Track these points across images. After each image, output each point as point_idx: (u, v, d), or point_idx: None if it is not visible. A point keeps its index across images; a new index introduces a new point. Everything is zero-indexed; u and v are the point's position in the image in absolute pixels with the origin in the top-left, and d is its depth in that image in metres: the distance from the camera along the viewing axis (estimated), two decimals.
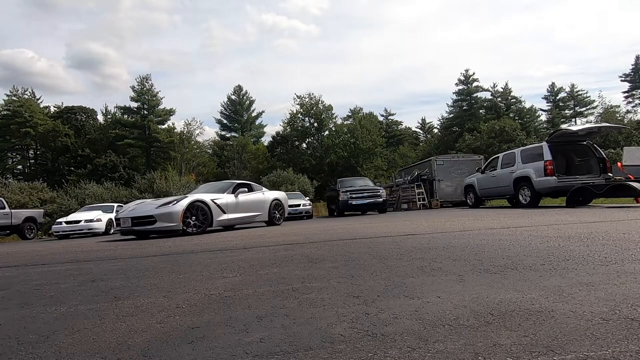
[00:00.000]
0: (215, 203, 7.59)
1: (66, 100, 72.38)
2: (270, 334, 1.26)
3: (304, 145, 39.25)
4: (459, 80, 42.96)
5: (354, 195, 13.34)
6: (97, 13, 63.61)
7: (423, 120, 55.38)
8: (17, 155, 38.03)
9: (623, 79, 43.85)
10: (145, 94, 36.49)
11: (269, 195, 9.49)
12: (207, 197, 7.58)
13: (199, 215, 7.22)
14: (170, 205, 7.01)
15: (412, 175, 17.95)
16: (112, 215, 13.67)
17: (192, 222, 7.08)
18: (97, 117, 40.30)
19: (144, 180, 22.00)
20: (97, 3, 62.81)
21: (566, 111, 44.59)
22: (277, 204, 9.45)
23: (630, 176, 8.32)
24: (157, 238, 7.05)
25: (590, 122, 36.63)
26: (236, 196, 8.25)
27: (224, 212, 7.76)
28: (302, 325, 1.32)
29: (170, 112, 37.91)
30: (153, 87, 37.14)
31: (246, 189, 8.84)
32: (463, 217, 6.98)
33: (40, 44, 65.41)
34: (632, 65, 42.81)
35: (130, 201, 19.40)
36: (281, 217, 9.64)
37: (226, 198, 8.01)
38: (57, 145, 35.17)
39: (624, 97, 43.77)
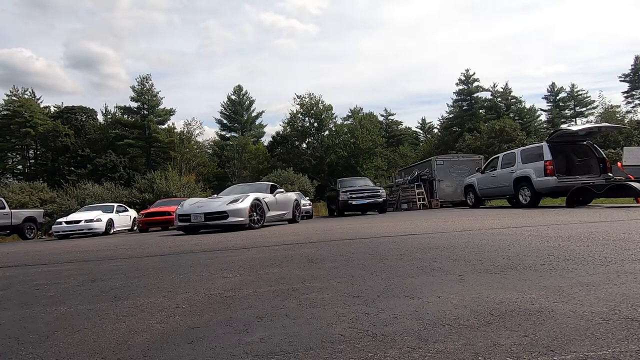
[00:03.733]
0: (264, 201, 8.39)
1: (65, 100, 72.58)
2: (270, 334, 1.25)
3: (304, 145, 39.27)
4: (459, 80, 43.00)
5: (354, 195, 13.34)
6: (95, 12, 63.75)
7: (423, 120, 55.47)
8: (17, 155, 38.02)
9: (623, 79, 43.86)
10: (145, 94, 36.50)
11: (292, 195, 10.40)
12: (260, 196, 8.34)
13: (258, 211, 7.99)
14: (239, 202, 7.71)
15: (412, 175, 17.95)
16: (112, 215, 13.67)
17: (255, 217, 7.81)
18: (97, 117, 40.37)
19: (144, 180, 21.97)
20: (94, 2, 62.96)
21: (566, 111, 44.59)
22: (297, 204, 10.40)
23: (630, 176, 8.32)
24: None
25: (591, 122, 36.64)
26: (274, 196, 9.12)
27: (269, 210, 8.54)
28: (302, 325, 1.31)
29: (170, 112, 37.94)
30: (153, 87, 37.20)
31: (282, 190, 9.91)
32: (463, 217, 6.98)
33: (38, 44, 65.53)
34: (632, 65, 42.81)
35: (133, 201, 19.46)
36: (299, 216, 10.69)
37: (269, 197, 8.87)
38: (57, 145, 35.17)
39: (624, 97, 43.82)
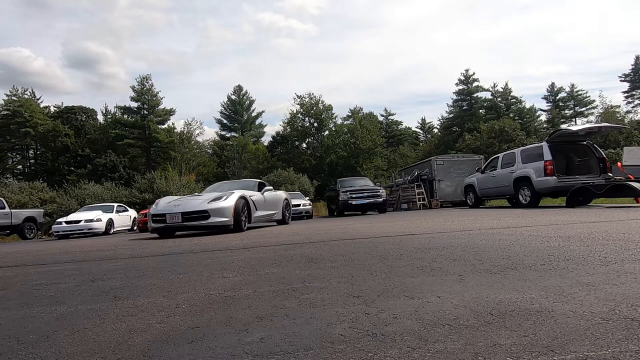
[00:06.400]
0: (251, 200, 7.62)
1: (64, 100, 72.74)
2: (270, 334, 1.25)
3: (304, 145, 39.29)
4: (459, 80, 43.03)
5: (354, 195, 13.34)
6: (93, 12, 63.79)
7: (423, 120, 55.45)
8: (17, 155, 38.03)
9: (623, 79, 43.90)
10: (145, 93, 36.51)
11: (281, 194, 9.56)
12: (247, 194, 7.56)
13: (244, 211, 7.21)
14: (222, 200, 6.88)
15: (412, 175, 17.96)
16: (112, 215, 13.67)
17: (241, 218, 7.02)
18: (97, 117, 40.37)
19: (144, 180, 21.99)
20: (93, 2, 62.96)
21: (566, 111, 44.61)
22: (287, 203, 9.52)
23: (630, 176, 8.32)
24: (160, 239, 7.03)
25: (591, 122, 36.65)
26: (262, 194, 8.33)
27: (256, 209, 7.78)
28: (302, 325, 1.31)
29: (170, 112, 37.95)
30: (153, 87, 37.21)
31: (272, 188, 9.04)
32: (463, 217, 6.98)
33: (36, 43, 65.48)
34: (632, 65, 42.86)
35: (133, 201, 19.45)
36: (289, 216, 9.76)
37: (257, 195, 8.08)
38: (57, 145, 35.18)
39: (624, 97, 43.85)
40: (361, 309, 1.45)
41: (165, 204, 7.21)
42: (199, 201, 7.05)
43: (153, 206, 7.44)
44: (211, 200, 6.89)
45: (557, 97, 45.12)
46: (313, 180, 28.32)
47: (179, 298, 1.86)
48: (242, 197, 7.21)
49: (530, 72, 69.11)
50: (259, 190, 8.49)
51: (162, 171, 24.38)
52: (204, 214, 6.67)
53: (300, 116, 37.42)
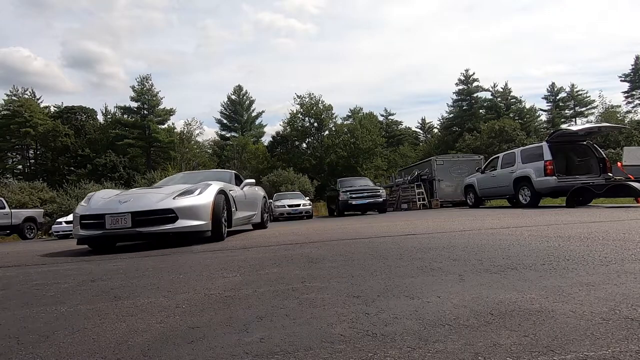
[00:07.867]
0: (232, 196, 5.69)
1: (64, 99, 72.86)
2: (270, 334, 1.25)
3: (304, 145, 39.33)
4: (459, 80, 43.08)
5: (354, 195, 13.35)
6: (92, 12, 63.95)
7: (423, 120, 55.56)
8: (17, 155, 38.08)
9: (623, 79, 43.92)
10: (145, 93, 36.55)
11: (259, 191, 7.82)
12: (227, 188, 5.64)
13: (224, 210, 5.20)
14: (195, 195, 4.73)
15: (412, 175, 17.96)
16: None
17: (222, 220, 5.02)
18: (97, 117, 40.41)
19: (144, 180, 22.02)
20: (92, 2, 63.10)
21: (566, 111, 44.65)
22: (265, 202, 7.84)
23: (630, 176, 8.32)
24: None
25: (591, 122, 36.67)
26: (242, 189, 6.55)
27: (236, 209, 5.89)
28: (302, 325, 1.31)
29: (170, 112, 38.01)
30: (153, 87, 37.26)
31: (253, 181, 7.16)
32: (463, 217, 6.98)
33: (36, 43, 65.62)
34: (632, 65, 42.90)
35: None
36: (268, 219, 8.21)
37: (237, 191, 6.20)
38: (57, 145, 35.21)
39: (624, 97, 43.88)
40: (361, 309, 1.45)
41: (104, 200, 4.85)
42: (160, 196, 4.75)
43: (82, 203, 5.06)
44: (178, 195, 4.71)
45: (557, 97, 45.17)
46: (313, 180, 28.37)
47: (179, 298, 1.86)
48: (222, 192, 5.17)
49: (530, 72, 69.33)
50: (237, 184, 6.66)
51: (162, 171, 24.41)
52: (169, 215, 4.48)
53: (300, 116, 37.48)
